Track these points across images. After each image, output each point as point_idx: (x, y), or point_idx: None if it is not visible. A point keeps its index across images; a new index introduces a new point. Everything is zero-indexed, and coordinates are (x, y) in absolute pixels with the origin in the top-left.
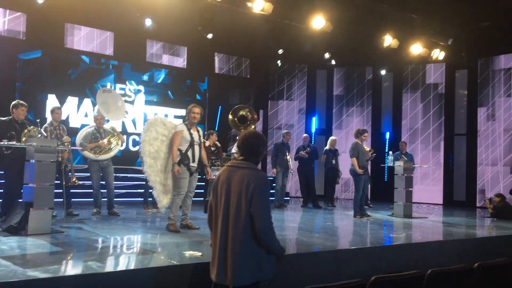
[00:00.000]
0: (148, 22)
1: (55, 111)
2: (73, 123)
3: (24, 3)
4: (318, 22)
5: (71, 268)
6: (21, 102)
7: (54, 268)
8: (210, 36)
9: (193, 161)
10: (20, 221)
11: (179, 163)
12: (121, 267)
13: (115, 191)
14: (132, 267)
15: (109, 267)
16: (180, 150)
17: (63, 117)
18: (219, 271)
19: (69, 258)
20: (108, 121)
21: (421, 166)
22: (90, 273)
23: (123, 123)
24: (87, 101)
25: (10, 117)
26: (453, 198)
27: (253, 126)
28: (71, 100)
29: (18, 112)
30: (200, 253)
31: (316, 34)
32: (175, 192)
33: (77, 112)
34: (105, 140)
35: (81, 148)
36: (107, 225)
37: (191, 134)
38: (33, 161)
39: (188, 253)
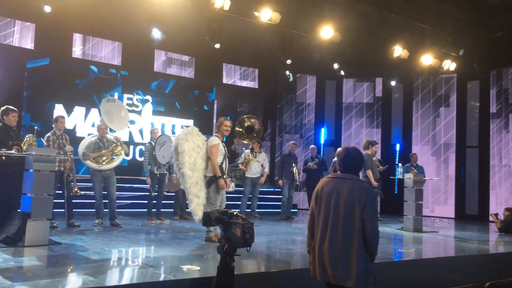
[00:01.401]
0: (156, 33)
1: (59, 120)
2: (80, 133)
3: (33, 13)
4: (327, 32)
5: (62, 282)
6: (11, 107)
7: (44, 282)
8: (218, 46)
9: (225, 173)
10: (17, 232)
11: (220, 177)
12: (114, 282)
13: (120, 201)
14: (125, 282)
15: (102, 282)
16: None
17: (70, 127)
18: (334, 272)
19: (61, 271)
20: (114, 131)
21: (432, 179)
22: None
23: (130, 133)
24: (94, 111)
25: (1, 124)
26: (465, 212)
27: (259, 136)
28: (78, 110)
29: (9, 118)
30: (198, 268)
31: (324, 44)
32: (211, 203)
33: (84, 122)
34: (108, 150)
35: (83, 157)
36: (108, 237)
37: (224, 147)
38: (32, 170)
39: (185, 267)
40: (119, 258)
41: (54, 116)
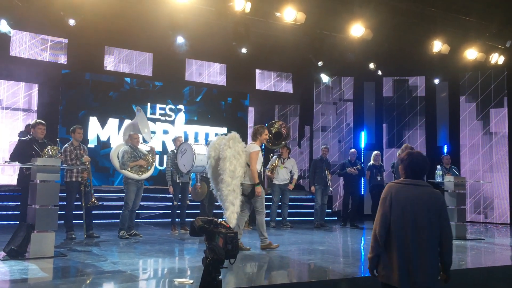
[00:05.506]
0: (185, 42)
1: (77, 131)
2: (115, 145)
3: (65, 29)
4: (357, 30)
5: None
6: (39, 121)
7: None
8: (244, 50)
9: (263, 182)
10: (21, 244)
11: (258, 184)
12: None
13: (153, 211)
14: None
15: None
16: None
17: (104, 138)
18: (420, 277)
19: (44, 286)
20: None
21: (478, 181)
22: None
23: (163, 143)
24: (128, 123)
25: (30, 137)
26: None
27: (287, 140)
28: (112, 122)
29: (36, 131)
30: (191, 281)
31: (357, 43)
32: (259, 212)
33: (118, 134)
34: (145, 159)
35: (122, 167)
36: (120, 248)
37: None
38: (35, 181)
39: (178, 281)
40: (113, 271)
41: (71, 127)
